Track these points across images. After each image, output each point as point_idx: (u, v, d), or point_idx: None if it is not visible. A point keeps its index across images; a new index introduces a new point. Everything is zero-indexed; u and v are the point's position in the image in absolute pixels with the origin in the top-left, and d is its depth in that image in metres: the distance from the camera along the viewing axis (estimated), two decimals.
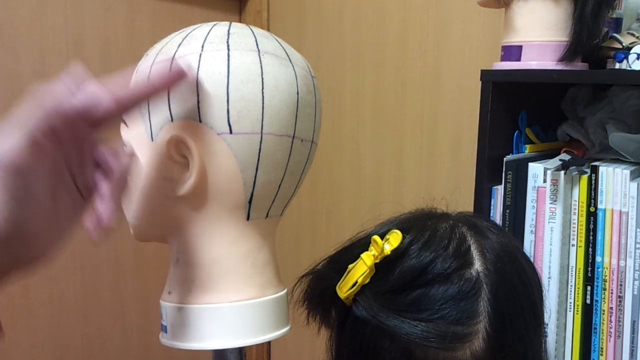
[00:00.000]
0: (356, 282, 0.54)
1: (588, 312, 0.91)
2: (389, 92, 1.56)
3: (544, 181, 0.93)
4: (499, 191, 0.98)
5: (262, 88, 0.52)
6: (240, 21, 1.80)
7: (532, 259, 0.84)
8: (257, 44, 0.54)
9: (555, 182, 0.91)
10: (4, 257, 0.42)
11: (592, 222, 0.90)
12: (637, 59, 0.89)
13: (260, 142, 0.52)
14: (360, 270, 0.54)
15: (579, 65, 0.94)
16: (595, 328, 0.91)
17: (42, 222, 0.43)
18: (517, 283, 0.54)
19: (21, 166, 0.41)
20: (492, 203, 0.99)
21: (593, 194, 0.89)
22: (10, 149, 0.41)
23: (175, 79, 0.48)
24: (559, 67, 0.92)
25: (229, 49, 0.53)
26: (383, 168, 1.60)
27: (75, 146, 0.45)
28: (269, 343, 1.90)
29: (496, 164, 0.97)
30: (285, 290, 0.59)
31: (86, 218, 0.46)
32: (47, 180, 0.43)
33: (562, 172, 0.91)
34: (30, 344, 1.39)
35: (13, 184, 0.41)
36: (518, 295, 0.54)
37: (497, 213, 0.99)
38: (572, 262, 0.93)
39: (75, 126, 0.44)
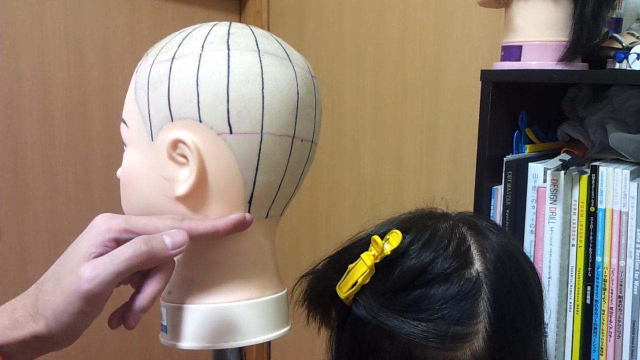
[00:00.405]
0: (356, 282, 0.54)
1: (588, 312, 0.91)
2: (389, 92, 1.56)
3: (544, 181, 0.93)
4: (499, 191, 0.98)
5: (262, 88, 0.52)
6: (240, 21, 1.80)
7: (532, 259, 0.84)
8: (257, 44, 0.54)
9: (555, 182, 0.91)
10: (44, 347, 0.48)
11: (592, 222, 0.90)
12: (637, 59, 0.89)
13: (260, 142, 0.52)
14: (360, 270, 0.54)
15: (579, 65, 0.94)
16: (595, 328, 0.91)
17: (86, 326, 0.49)
18: (517, 283, 0.54)
19: (99, 295, 0.47)
20: (492, 203, 0.99)
21: (593, 194, 0.89)
22: (94, 279, 0.46)
23: (233, 230, 0.53)
24: (559, 67, 0.92)
25: (229, 49, 0.53)
26: (383, 168, 1.60)
27: None
28: (269, 343, 1.90)
29: (496, 164, 0.97)
30: (285, 290, 0.59)
31: (114, 315, 0.51)
32: (107, 300, 0.49)
33: (562, 172, 0.91)
34: None
35: (85, 306, 0.46)
36: (518, 295, 0.54)
37: (497, 213, 0.99)
38: (572, 262, 0.93)
39: None
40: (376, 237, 0.54)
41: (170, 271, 0.52)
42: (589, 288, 0.91)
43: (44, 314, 0.47)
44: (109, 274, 0.46)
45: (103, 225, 0.49)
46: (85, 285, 0.46)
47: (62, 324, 0.47)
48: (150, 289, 0.50)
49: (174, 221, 0.51)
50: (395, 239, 0.54)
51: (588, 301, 0.91)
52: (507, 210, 0.97)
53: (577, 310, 0.92)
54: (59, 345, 0.49)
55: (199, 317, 0.54)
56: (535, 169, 0.94)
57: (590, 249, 0.91)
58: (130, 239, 0.49)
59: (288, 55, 0.56)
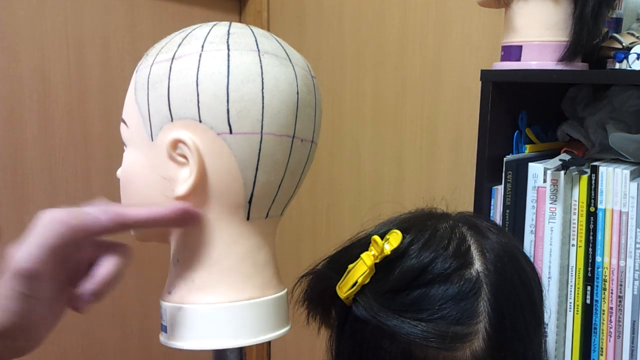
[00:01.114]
0: (356, 282, 0.54)
1: (588, 312, 0.91)
2: (389, 92, 1.57)
3: (544, 181, 0.93)
4: (499, 191, 0.98)
5: (262, 88, 0.52)
6: (240, 21, 1.80)
7: (532, 259, 0.84)
8: (257, 44, 0.54)
9: (555, 182, 0.92)
10: (5, 346, 0.47)
11: (592, 222, 0.90)
12: (637, 59, 0.89)
13: (260, 142, 0.52)
14: (360, 270, 0.54)
15: (579, 65, 0.94)
16: (595, 328, 0.91)
17: (41, 315, 0.48)
18: (517, 283, 0.54)
19: (33, 272, 0.46)
20: (492, 203, 0.99)
21: (593, 194, 0.89)
22: (26, 256, 0.45)
23: (178, 223, 0.52)
24: (559, 67, 0.92)
25: (229, 49, 0.53)
26: (383, 168, 1.60)
27: (76, 252, 0.49)
28: (269, 343, 1.90)
29: (496, 164, 0.97)
30: (285, 290, 0.59)
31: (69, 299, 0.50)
32: (51, 282, 0.48)
33: (562, 172, 0.91)
34: None
35: (23, 285, 0.45)
36: (518, 295, 0.54)
37: (497, 213, 0.99)
38: (572, 262, 0.93)
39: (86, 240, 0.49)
40: (376, 237, 0.54)
41: (125, 256, 0.51)
42: (589, 288, 0.91)
43: None
44: (40, 248, 0.46)
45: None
46: (18, 264, 0.45)
47: (8, 313, 0.46)
48: (99, 272, 0.49)
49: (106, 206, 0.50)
50: (395, 239, 0.54)
51: (588, 301, 0.91)
52: (507, 210, 0.97)
53: (577, 310, 0.92)
54: (20, 341, 0.48)
55: (199, 317, 0.54)
56: (535, 169, 0.94)
57: (590, 249, 0.91)
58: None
59: (288, 55, 0.56)
